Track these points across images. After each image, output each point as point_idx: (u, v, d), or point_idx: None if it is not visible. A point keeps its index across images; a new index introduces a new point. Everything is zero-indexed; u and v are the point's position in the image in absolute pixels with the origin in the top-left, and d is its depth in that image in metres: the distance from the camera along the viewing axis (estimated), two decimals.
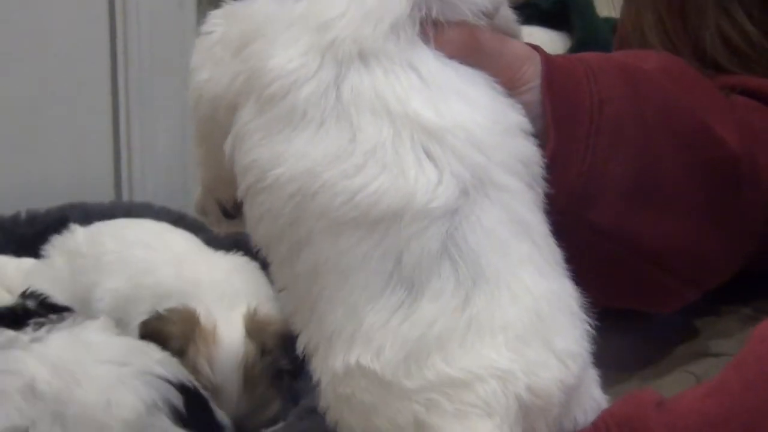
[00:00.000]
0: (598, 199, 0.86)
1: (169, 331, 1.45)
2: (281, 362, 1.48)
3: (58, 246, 1.70)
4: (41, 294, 1.45)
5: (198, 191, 0.99)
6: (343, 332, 0.77)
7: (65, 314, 1.41)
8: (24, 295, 1.44)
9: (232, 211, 0.96)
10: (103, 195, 2.08)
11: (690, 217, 0.99)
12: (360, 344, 0.76)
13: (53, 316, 1.37)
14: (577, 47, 1.96)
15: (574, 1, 2.00)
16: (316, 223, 0.77)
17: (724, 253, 1.04)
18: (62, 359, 1.27)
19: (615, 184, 0.90)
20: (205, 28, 0.86)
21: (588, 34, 1.94)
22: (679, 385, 1.01)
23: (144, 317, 1.49)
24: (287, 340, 1.44)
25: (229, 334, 1.48)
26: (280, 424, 1.44)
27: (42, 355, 1.28)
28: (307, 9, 0.80)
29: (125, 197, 2.13)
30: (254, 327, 1.48)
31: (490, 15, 0.86)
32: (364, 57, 0.79)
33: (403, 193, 0.76)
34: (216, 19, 0.86)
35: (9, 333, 1.30)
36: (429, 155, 0.77)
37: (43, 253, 1.73)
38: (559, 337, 0.79)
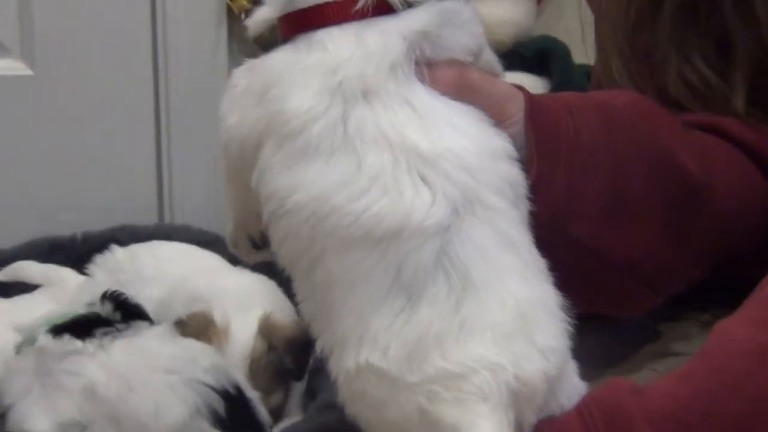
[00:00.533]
0: (576, 216, 0.87)
1: (185, 333, 1.45)
2: (285, 361, 1.49)
3: (100, 264, 1.70)
4: (120, 294, 1.44)
5: (230, 227, 0.99)
6: (353, 336, 0.78)
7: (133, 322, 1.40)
8: (104, 297, 1.42)
9: (260, 242, 0.96)
10: (148, 218, 2.09)
11: (656, 234, 0.99)
12: (368, 345, 0.77)
13: (120, 325, 1.36)
14: (555, 90, 1.97)
15: (553, 50, 2.01)
16: (328, 241, 0.78)
17: (685, 266, 1.03)
18: (120, 366, 1.27)
19: (591, 203, 0.91)
20: (231, 82, 0.87)
21: (565, 79, 1.95)
22: (644, 380, 0.97)
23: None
24: (293, 343, 1.48)
25: (240, 332, 1.49)
26: (297, 418, 1.44)
27: (103, 362, 1.28)
28: (318, 58, 0.80)
29: (167, 220, 2.13)
30: (266, 328, 1.50)
31: (475, 55, 0.87)
32: (366, 94, 0.79)
33: (401, 214, 0.77)
34: (240, 73, 0.86)
35: (77, 343, 1.29)
36: (423, 179, 0.78)
37: (87, 270, 1.72)
38: (541, 334, 0.79)
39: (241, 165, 0.86)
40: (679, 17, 1.08)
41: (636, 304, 1.03)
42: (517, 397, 0.76)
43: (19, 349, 1.35)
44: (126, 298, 1.42)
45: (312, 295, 0.83)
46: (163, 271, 1.65)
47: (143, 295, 1.55)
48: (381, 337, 0.77)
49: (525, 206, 0.84)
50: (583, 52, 1.36)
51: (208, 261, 1.65)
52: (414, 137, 0.79)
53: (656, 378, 0.99)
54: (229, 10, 2.06)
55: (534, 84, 1.96)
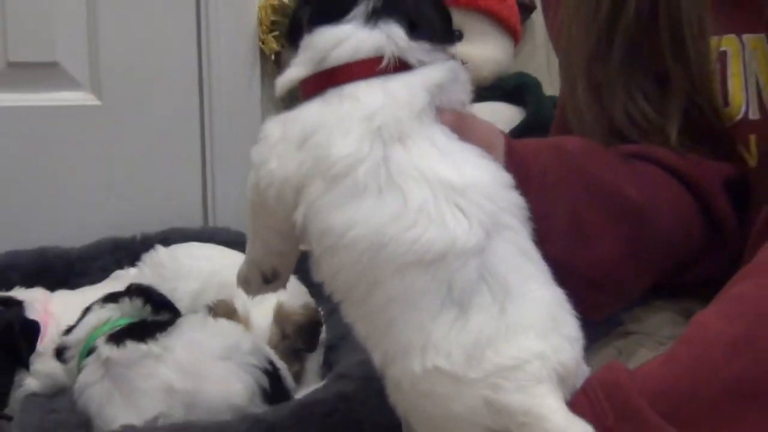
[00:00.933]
0: (546, 238, 0.85)
1: (214, 317, 1.44)
2: (297, 343, 1.49)
3: (147, 261, 1.70)
4: (147, 288, 1.44)
5: (241, 267, 0.96)
6: (416, 345, 0.76)
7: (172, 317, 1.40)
8: (131, 293, 1.42)
9: (271, 277, 0.94)
10: (194, 222, 2.10)
11: (612, 252, 0.98)
12: (432, 352, 0.75)
13: (168, 323, 1.35)
14: (529, 117, 1.96)
15: (527, 84, 1.99)
16: (386, 268, 0.76)
17: (640, 276, 1.03)
18: (186, 362, 1.26)
19: (556, 228, 0.90)
20: (263, 132, 0.84)
21: (537, 108, 1.93)
22: (605, 355, 1.02)
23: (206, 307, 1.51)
24: (304, 329, 1.49)
25: (259, 319, 1.50)
26: (316, 386, 1.42)
27: (172, 363, 1.26)
28: (351, 107, 0.79)
29: (210, 224, 2.13)
30: (280, 317, 1.50)
31: (466, 106, 0.87)
32: (401, 138, 0.78)
33: (447, 240, 0.76)
34: (272, 125, 0.84)
35: (142, 347, 1.27)
36: (459, 208, 0.77)
37: (137, 266, 1.73)
38: (566, 327, 0.79)
39: (277, 206, 0.83)
40: (627, 57, 1.06)
41: (601, 310, 1.02)
42: (561, 380, 0.76)
43: (68, 354, 1.34)
44: (152, 292, 1.43)
45: (368, 316, 0.80)
46: (197, 267, 1.65)
47: (181, 287, 1.58)
48: (442, 344, 0.75)
49: (529, 225, 0.83)
50: (552, 85, 1.35)
51: (234, 258, 1.60)
52: (445, 173, 0.78)
53: (647, 361, 0.97)
54: (261, 52, 2.08)
55: (512, 112, 1.97)
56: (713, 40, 1.05)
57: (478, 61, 1.98)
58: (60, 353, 1.34)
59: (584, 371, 0.80)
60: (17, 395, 1.26)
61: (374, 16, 0.81)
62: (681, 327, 1.07)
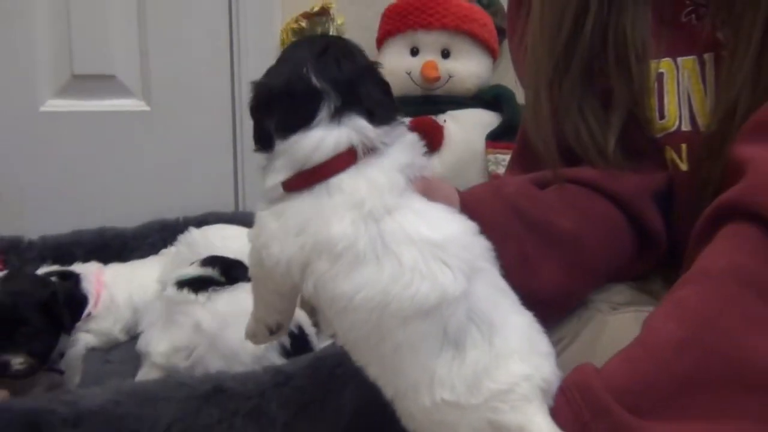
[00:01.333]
0: (503, 272, 0.83)
1: None
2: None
3: (182, 241, 1.68)
4: (226, 260, 1.43)
5: (249, 324, 0.94)
6: (423, 381, 0.75)
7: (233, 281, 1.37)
8: (214, 262, 1.41)
9: (275, 329, 0.93)
10: (228, 207, 2.10)
11: (557, 273, 0.98)
12: (438, 387, 0.74)
13: (224, 283, 1.34)
14: (504, 122, 1.95)
15: (503, 95, 1.96)
16: (392, 321, 0.74)
17: (584, 287, 1.03)
18: (222, 310, 1.27)
19: (508, 262, 0.85)
20: (260, 222, 0.80)
21: (511, 114, 1.92)
22: (571, 324, 1.03)
23: None
24: None
25: None
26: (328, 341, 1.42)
27: (208, 308, 1.28)
28: (341, 198, 0.76)
29: (240, 208, 2.12)
30: None
31: (426, 167, 0.83)
32: (389, 212, 0.77)
33: (439, 291, 0.74)
34: (268, 217, 0.80)
35: (191, 295, 1.29)
36: (443, 262, 0.75)
37: (174, 245, 1.71)
38: (541, 345, 0.79)
39: (284, 279, 0.80)
40: (581, 78, 1.04)
41: (558, 317, 1.02)
42: (544, 393, 0.76)
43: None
44: (230, 264, 1.41)
45: (379, 361, 0.78)
46: (226, 245, 1.59)
47: None
48: (445, 379, 0.74)
49: (496, 264, 0.81)
50: (524, 96, 1.34)
51: None
52: (427, 233, 0.77)
53: (599, 324, 1.01)
54: None
55: (491, 117, 1.97)
56: (653, 63, 1.04)
57: (464, 75, 1.98)
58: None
59: (558, 376, 0.79)
60: (73, 353, 1.27)
61: (337, 115, 0.78)
62: (629, 294, 1.09)
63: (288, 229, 0.78)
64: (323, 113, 0.77)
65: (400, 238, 0.76)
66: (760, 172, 0.81)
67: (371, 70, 0.81)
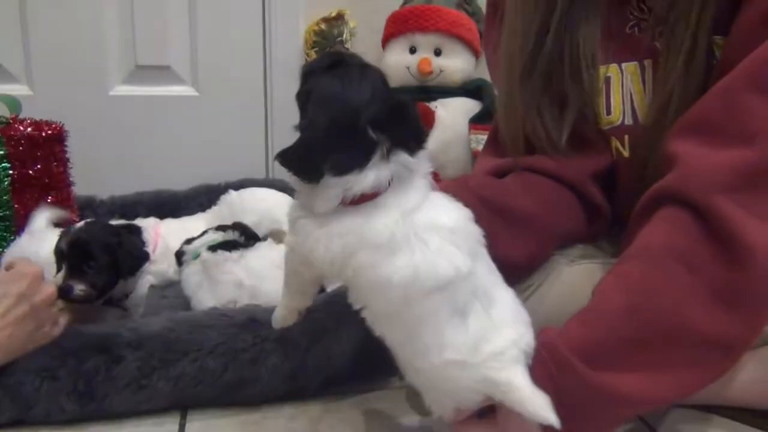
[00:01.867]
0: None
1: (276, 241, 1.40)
2: None
3: (223, 201, 1.65)
4: (244, 225, 1.41)
5: (279, 312, 0.92)
6: (434, 344, 0.74)
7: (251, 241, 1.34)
8: (234, 227, 1.36)
9: (302, 313, 0.92)
10: (260, 173, 2.09)
11: (525, 245, 0.99)
12: (446, 348, 0.74)
13: (250, 243, 1.32)
14: (484, 108, 1.93)
15: (484, 86, 1.94)
16: (417, 294, 0.73)
17: (543, 254, 1.04)
18: (255, 267, 1.25)
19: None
20: (303, 230, 0.77)
21: (490, 102, 1.90)
22: (538, 275, 1.03)
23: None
24: None
25: None
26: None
27: (244, 265, 1.25)
28: (388, 214, 0.74)
29: (270, 176, 2.10)
30: None
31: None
32: (418, 208, 0.74)
33: (453, 269, 0.73)
34: (309, 225, 0.76)
35: (226, 253, 1.27)
36: (455, 244, 0.74)
37: (216, 205, 1.68)
38: (523, 316, 0.79)
39: (324, 270, 0.77)
40: (541, 83, 1.03)
41: (520, 280, 1.01)
42: (526, 355, 0.76)
43: (185, 259, 1.32)
44: (246, 228, 1.38)
45: (401, 328, 0.76)
46: (257, 205, 1.58)
47: (246, 219, 1.49)
48: (452, 342, 0.74)
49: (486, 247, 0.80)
50: None
51: (285, 199, 1.56)
52: (444, 221, 0.75)
53: (560, 274, 1.02)
54: (306, 61, 2.06)
55: (473, 105, 1.95)
56: (602, 68, 1.03)
57: (452, 70, 1.97)
58: (179, 256, 1.34)
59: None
60: (139, 291, 1.26)
61: (387, 154, 0.74)
62: (583, 249, 1.10)
63: (331, 233, 0.74)
64: (376, 157, 0.73)
65: (427, 227, 0.74)
66: (689, 165, 0.81)
67: (407, 107, 0.76)
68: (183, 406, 1.04)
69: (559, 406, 0.72)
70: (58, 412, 0.98)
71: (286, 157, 0.74)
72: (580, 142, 1.05)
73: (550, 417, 0.71)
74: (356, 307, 0.79)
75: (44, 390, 0.96)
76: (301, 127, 0.74)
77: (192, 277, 1.30)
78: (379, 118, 0.73)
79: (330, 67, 0.75)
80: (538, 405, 0.72)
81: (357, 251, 0.74)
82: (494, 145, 1.14)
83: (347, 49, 2.03)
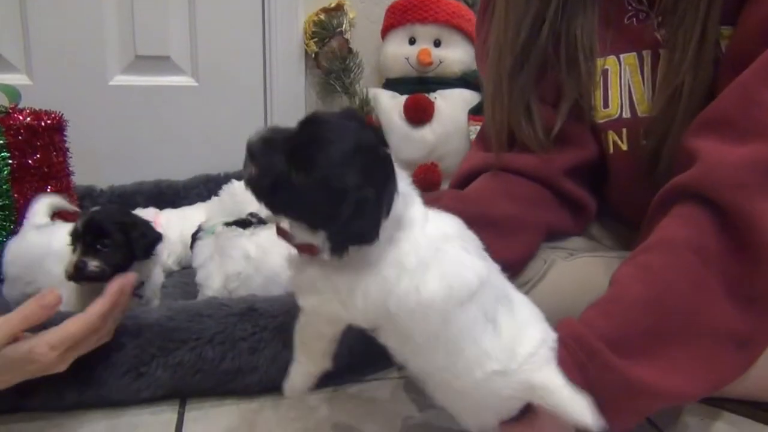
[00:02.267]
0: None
1: None
2: None
3: (224, 190, 1.62)
4: (257, 213, 1.37)
5: (296, 377, 0.83)
6: (475, 358, 0.72)
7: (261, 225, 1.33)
8: (250, 214, 1.35)
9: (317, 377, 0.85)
10: None
11: (515, 247, 0.99)
12: (488, 359, 0.72)
13: (261, 225, 1.30)
14: (483, 100, 1.95)
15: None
16: (453, 309, 0.71)
17: (531, 251, 1.03)
18: (262, 243, 1.25)
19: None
20: (323, 287, 0.72)
21: None
22: (534, 265, 1.03)
23: None
24: None
25: None
26: None
27: (253, 240, 1.26)
28: (412, 239, 0.72)
29: None
30: None
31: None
32: (427, 219, 0.73)
33: (477, 275, 0.72)
34: (326, 282, 0.72)
35: (239, 230, 1.28)
36: (468, 251, 0.73)
37: (217, 195, 1.66)
38: (539, 314, 0.78)
39: (362, 317, 0.73)
40: (534, 73, 1.02)
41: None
42: (553, 352, 0.75)
43: (201, 235, 1.33)
44: (259, 215, 1.34)
45: (439, 351, 0.73)
46: None
47: (247, 209, 1.51)
48: (491, 351, 0.72)
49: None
50: None
51: None
52: (449, 230, 0.74)
53: (557, 265, 1.01)
54: (305, 51, 2.05)
55: (472, 96, 1.95)
56: (599, 61, 1.02)
57: (451, 61, 1.96)
58: (195, 235, 1.35)
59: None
60: (152, 282, 1.25)
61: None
62: (581, 242, 1.10)
63: (363, 277, 0.71)
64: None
65: (440, 238, 0.73)
66: (709, 162, 0.81)
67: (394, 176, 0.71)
68: (182, 394, 1.04)
69: (590, 396, 0.71)
70: (57, 399, 0.98)
71: (354, 241, 0.69)
72: (558, 137, 1.05)
73: (591, 420, 0.70)
74: (394, 347, 0.76)
75: (43, 377, 0.96)
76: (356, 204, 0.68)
77: (203, 248, 1.31)
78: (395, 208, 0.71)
79: (311, 139, 0.70)
80: (578, 408, 0.71)
81: (399, 282, 0.71)
82: (483, 140, 1.14)
83: (347, 40, 2.03)
